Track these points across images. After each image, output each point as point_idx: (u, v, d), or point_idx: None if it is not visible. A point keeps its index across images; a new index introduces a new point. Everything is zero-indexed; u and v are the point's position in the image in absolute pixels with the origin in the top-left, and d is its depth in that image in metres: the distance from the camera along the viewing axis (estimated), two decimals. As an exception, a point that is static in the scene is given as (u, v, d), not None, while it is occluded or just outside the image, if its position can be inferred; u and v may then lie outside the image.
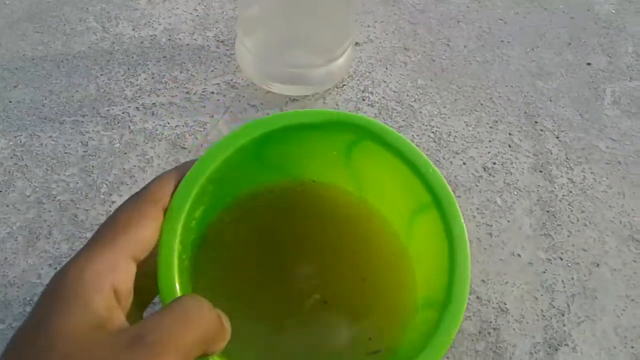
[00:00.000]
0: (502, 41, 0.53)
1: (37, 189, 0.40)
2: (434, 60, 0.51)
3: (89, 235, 0.22)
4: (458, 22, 0.54)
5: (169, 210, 0.23)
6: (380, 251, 0.28)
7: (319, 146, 0.27)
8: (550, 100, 0.47)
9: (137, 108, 0.45)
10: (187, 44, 0.51)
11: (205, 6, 0.54)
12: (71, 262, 0.19)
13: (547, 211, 0.40)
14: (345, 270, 0.28)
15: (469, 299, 0.35)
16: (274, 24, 0.46)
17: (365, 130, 0.25)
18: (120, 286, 0.19)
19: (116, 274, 0.19)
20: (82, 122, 0.44)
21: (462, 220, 0.23)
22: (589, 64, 0.51)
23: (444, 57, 0.51)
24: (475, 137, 0.44)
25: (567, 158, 0.43)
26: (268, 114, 0.45)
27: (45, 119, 0.44)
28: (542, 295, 0.35)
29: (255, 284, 0.27)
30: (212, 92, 0.47)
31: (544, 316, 0.35)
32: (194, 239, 0.26)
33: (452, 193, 0.24)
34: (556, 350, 0.33)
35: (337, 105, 0.46)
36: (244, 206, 0.28)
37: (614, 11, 0.57)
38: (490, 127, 0.45)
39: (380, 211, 0.28)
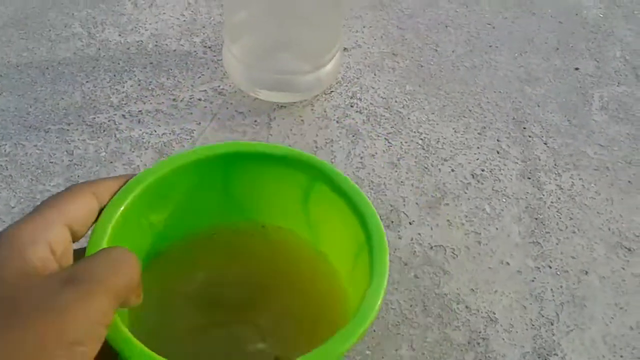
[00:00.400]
0: (490, 46, 0.53)
1: (22, 200, 0.39)
2: (422, 66, 0.50)
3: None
4: (446, 26, 0.54)
5: (113, 198, 0.24)
6: (322, 297, 0.28)
7: (278, 187, 0.27)
8: (539, 106, 0.47)
9: (123, 116, 0.45)
10: (174, 50, 0.50)
11: (192, 11, 0.54)
12: (7, 227, 0.21)
13: (536, 218, 0.40)
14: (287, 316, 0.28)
15: (458, 308, 0.35)
16: (261, 29, 0.46)
17: (317, 171, 0.26)
18: (56, 246, 0.21)
19: (51, 232, 0.21)
20: (68, 130, 0.43)
21: (387, 258, 0.23)
22: (577, 69, 0.51)
23: (432, 63, 0.51)
24: (464, 143, 0.44)
25: (555, 164, 0.43)
26: (255, 121, 0.45)
27: (30, 127, 0.43)
28: (531, 304, 0.35)
29: (198, 325, 0.28)
30: (199, 99, 0.46)
31: (533, 325, 0.35)
32: (152, 246, 0.27)
33: (384, 233, 0.24)
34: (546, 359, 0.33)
35: (325, 111, 0.46)
36: (200, 241, 0.29)
37: (602, 15, 0.57)
38: (479, 134, 0.45)
39: (333, 263, 0.28)
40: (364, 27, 0.54)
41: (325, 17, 0.45)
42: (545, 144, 0.45)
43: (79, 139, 0.43)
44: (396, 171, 0.42)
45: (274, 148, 0.27)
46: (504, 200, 0.41)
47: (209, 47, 0.51)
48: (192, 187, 0.27)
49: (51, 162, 0.41)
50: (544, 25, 0.55)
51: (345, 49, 0.51)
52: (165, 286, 0.28)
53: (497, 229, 0.39)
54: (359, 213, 0.24)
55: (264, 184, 0.28)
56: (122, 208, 0.24)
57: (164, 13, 0.53)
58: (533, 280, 0.36)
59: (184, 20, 0.53)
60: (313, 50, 0.46)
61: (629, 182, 0.42)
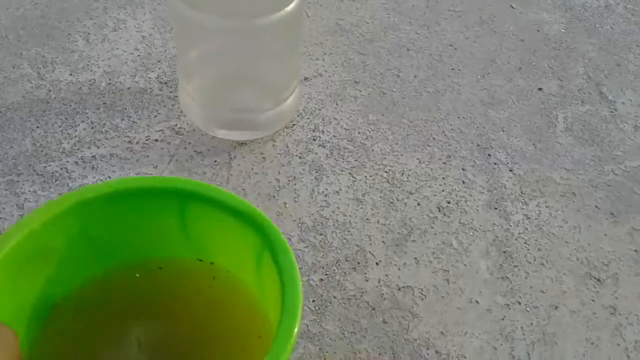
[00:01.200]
0: (452, 69, 0.52)
1: (-32, 262, 0.37)
2: (384, 93, 0.50)
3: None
4: (408, 50, 0.53)
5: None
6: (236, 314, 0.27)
7: (234, 238, 0.26)
8: (503, 131, 0.47)
9: (76, 162, 0.43)
10: (129, 88, 0.48)
11: (147, 44, 0.52)
12: None
13: (504, 252, 0.39)
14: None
15: (428, 354, 0.34)
16: (215, 67, 0.44)
17: (266, 238, 0.25)
18: None
19: None
20: (17, 181, 0.42)
21: (293, 257, 0.24)
22: (540, 89, 0.51)
23: (394, 90, 0.50)
24: (429, 174, 0.43)
25: (521, 192, 0.42)
26: (215, 161, 0.44)
27: (-24, 180, 0.42)
28: (501, 344, 0.34)
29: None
30: (156, 140, 0.45)
31: (504, 367, 0.34)
32: (38, 303, 0.26)
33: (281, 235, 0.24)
34: (518, 402, 0.33)
35: (287, 147, 0.45)
36: (86, 292, 0.28)
37: (563, 30, 0.57)
38: (444, 163, 0.44)
39: (232, 272, 0.27)
40: (324, 54, 0.53)
41: (283, 51, 0.43)
42: (510, 170, 0.44)
43: (29, 191, 0.41)
44: (361, 208, 0.41)
45: (230, 198, 0.26)
46: (471, 233, 0.40)
47: (165, 83, 0.49)
48: (144, 215, 0.26)
49: (0, 218, 0.39)
50: (505, 43, 0.55)
51: (305, 78, 0.50)
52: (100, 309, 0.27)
53: (465, 265, 0.38)
54: (243, 217, 0.24)
55: (221, 231, 0.27)
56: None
57: (117, 48, 0.52)
58: (503, 319, 0.36)
59: (139, 55, 0.51)
60: (272, 85, 0.45)
61: (596, 207, 0.42)
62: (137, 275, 0.28)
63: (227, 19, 0.39)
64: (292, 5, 0.40)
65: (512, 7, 0.59)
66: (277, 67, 0.44)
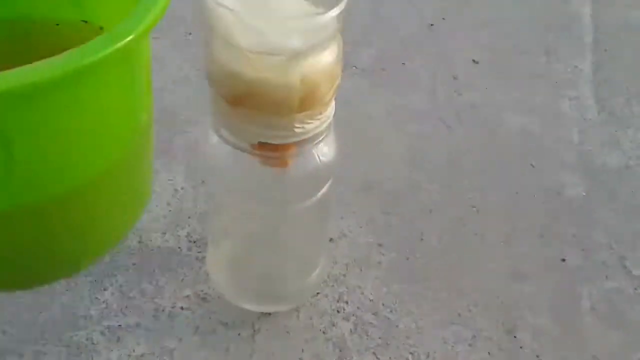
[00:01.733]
0: (475, 234, 0.53)
1: None
2: (408, 259, 0.50)
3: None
4: (430, 211, 0.54)
5: None
6: None
7: None
8: (527, 308, 0.47)
9: (102, 332, 0.43)
10: (158, 247, 0.50)
11: (178, 199, 0.54)
12: None
13: None
14: None
15: None
16: (243, 242, 0.45)
17: None
18: None
19: None
20: (45, 352, 0.42)
21: None
22: (563, 260, 0.51)
23: (417, 255, 0.50)
24: (455, 358, 0.43)
25: (548, 384, 0.42)
26: (239, 334, 0.44)
27: (4, 350, 0.42)
28: None
29: None
30: (182, 308, 0.45)
31: None
32: None
33: None
34: None
35: (311, 319, 0.45)
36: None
37: (584, 193, 0.57)
38: (469, 345, 0.44)
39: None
40: (349, 212, 0.54)
41: (314, 227, 0.44)
42: (537, 357, 0.44)
43: (54, 364, 0.41)
44: (385, 395, 0.41)
45: None
46: None
47: (194, 242, 0.50)
48: None
49: (24, 396, 0.39)
50: (527, 207, 0.56)
51: (330, 239, 0.51)
52: None
53: None
54: None
55: None
56: None
57: (151, 202, 0.53)
58: None
59: (170, 211, 0.52)
60: (300, 259, 0.45)
61: (626, 404, 0.41)
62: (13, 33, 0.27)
63: (259, 205, 0.41)
64: (323, 190, 0.41)
65: (532, 166, 0.60)
66: (307, 242, 0.45)
